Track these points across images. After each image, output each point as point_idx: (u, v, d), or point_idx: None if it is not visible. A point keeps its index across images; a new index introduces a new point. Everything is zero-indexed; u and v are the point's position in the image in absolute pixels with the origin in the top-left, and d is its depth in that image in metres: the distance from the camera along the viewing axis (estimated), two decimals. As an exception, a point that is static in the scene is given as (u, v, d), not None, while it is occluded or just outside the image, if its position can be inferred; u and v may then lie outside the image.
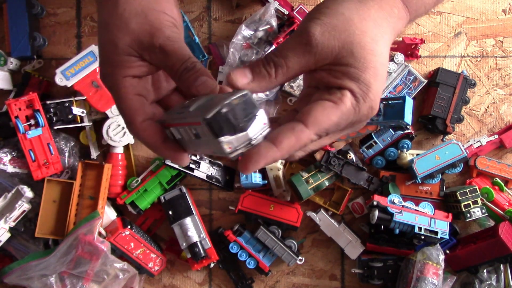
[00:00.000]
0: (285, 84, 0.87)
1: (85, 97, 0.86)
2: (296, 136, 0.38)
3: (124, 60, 0.44)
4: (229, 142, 0.37)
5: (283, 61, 0.41)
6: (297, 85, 0.87)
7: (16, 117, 0.83)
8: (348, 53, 0.40)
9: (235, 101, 0.36)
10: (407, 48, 0.88)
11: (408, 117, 0.80)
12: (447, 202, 0.88)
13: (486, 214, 0.85)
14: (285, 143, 0.38)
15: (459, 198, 0.83)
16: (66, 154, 0.87)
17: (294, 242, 0.88)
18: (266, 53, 0.43)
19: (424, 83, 0.88)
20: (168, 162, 0.84)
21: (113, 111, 0.87)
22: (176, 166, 0.85)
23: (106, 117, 0.88)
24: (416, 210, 0.83)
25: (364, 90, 0.40)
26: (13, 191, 0.82)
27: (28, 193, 0.82)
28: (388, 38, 0.43)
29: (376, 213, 0.82)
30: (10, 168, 0.85)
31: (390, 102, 0.82)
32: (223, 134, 0.36)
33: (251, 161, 0.37)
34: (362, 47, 0.40)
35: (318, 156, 0.87)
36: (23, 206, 0.82)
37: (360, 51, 0.40)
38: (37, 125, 0.83)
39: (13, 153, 0.86)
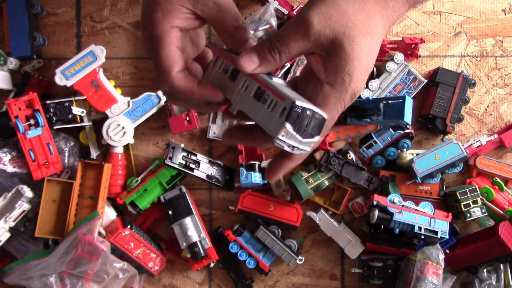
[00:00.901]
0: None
1: (85, 97, 0.86)
2: None
3: (176, 9, 0.46)
4: (286, 132, 0.42)
5: (286, 48, 0.45)
6: None
7: (16, 117, 0.83)
8: (339, 43, 0.44)
9: (317, 115, 0.43)
10: (407, 48, 0.88)
11: (408, 117, 0.80)
12: (447, 202, 0.88)
13: (486, 214, 0.85)
14: (297, 156, 0.46)
15: (459, 197, 0.83)
16: (66, 154, 0.87)
17: (294, 242, 0.88)
18: (269, 36, 0.47)
19: (424, 83, 0.88)
20: (168, 162, 0.84)
21: (113, 111, 0.87)
22: (176, 166, 0.85)
23: (106, 117, 0.88)
24: (416, 209, 0.83)
25: (347, 80, 0.45)
26: (13, 191, 0.82)
27: (28, 193, 0.82)
28: (381, 30, 0.47)
29: (376, 212, 0.82)
30: (10, 168, 0.85)
31: (390, 102, 0.82)
32: (291, 123, 0.42)
33: (276, 173, 0.47)
34: (351, 40, 0.44)
35: (318, 156, 0.87)
36: (23, 206, 0.82)
37: (348, 43, 0.44)
38: (37, 125, 0.83)
39: (13, 153, 0.86)
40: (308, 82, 0.49)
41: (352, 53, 0.44)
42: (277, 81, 0.46)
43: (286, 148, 0.43)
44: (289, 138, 0.42)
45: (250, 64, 0.46)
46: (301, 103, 0.41)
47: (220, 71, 0.50)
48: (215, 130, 0.91)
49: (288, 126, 0.42)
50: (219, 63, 0.51)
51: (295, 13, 0.86)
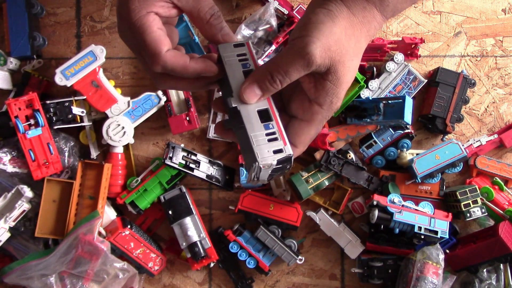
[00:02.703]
0: None
1: (85, 97, 0.86)
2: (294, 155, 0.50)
3: None
4: (269, 166, 0.47)
5: (287, 78, 0.48)
6: None
7: (16, 116, 0.83)
8: (334, 70, 0.48)
9: (282, 162, 0.47)
10: (407, 48, 0.88)
11: (408, 117, 0.80)
12: (447, 202, 0.88)
13: (486, 214, 0.85)
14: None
15: (459, 197, 0.83)
16: (66, 154, 0.87)
17: (294, 241, 0.88)
18: (268, 64, 0.49)
19: (424, 83, 0.88)
20: (168, 162, 0.84)
21: (112, 111, 0.87)
22: (176, 166, 0.85)
23: (106, 117, 0.88)
24: (416, 209, 0.83)
25: (334, 101, 0.49)
26: (13, 191, 0.82)
27: (28, 193, 0.82)
28: (363, 47, 0.51)
29: (376, 212, 0.82)
30: (10, 168, 0.85)
31: (390, 101, 0.83)
32: (277, 165, 0.47)
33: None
34: (342, 65, 0.48)
35: (318, 155, 0.87)
36: (23, 206, 0.82)
37: (341, 68, 0.48)
38: (37, 125, 0.83)
39: (13, 153, 0.86)
40: (293, 92, 0.53)
41: (343, 78, 0.48)
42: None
43: (252, 174, 0.47)
44: (264, 171, 0.47)
45: (253, 96, 0.49)
46: (264, 161, 0.46)
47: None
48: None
49: (274, 164, 0.46)
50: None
51: (295, 13, 0.86)
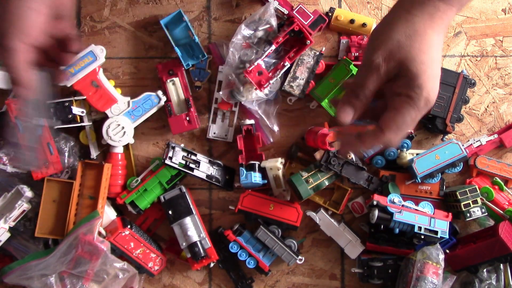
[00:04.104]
0: (285, 84, 0.88)
1: (85, 97, 0.86)
2: (378, 139, 0.55)
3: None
4: None
5: (367, 90, 0.55)
6: (296, 85, 0.87)
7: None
8: (405, 67, 0.53)
9: None
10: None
11: None
12: (447, 202, 0.88)
13: (486, 214, 0.85)
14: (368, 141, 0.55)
15: (459, 197, 0.83)
16: (66, 154, 0.87)
17: (294, 241, 0.88)
18: (350, 88, 0.57)
19: (424, 83, 0.88)
20: (168, 162, 0.84)
21: (112, 111, 0.87)
22: (176, 166, 0.85)
23: (106, 117, 0.88)
24: (416, 209, 0.83)
25: (418, 92, 0.53)
26: (13, 191, 0.82)
27: (28, 192, 0.82)
28: (436, 40, 0.54)
29: (376, 212, 0.82)
30: (10, 168, 0.85)
31: None
32: None
33: (375, 141, 0.55)
34: (412, 60, 0.53)
35: (318, 155, 0.87)
36: (23, 206, 0.82)
37: (412, 63, 0.53)
38: (37, 125, 0.83)
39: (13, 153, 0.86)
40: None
41: (417, 71, 0.53)
42: None
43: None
44: None
45: (348, 116, 0.56)
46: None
47: None
48: (215, 130, 0.91)
49: None
50: None
51: (295, 13, 0.86)
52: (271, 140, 0.90)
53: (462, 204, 0.83)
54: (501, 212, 0.86)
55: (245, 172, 0.86)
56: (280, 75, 0.85)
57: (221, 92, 0.88)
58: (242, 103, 0.88)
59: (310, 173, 0.86)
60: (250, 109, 0.88)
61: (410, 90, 0.53)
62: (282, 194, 0.89)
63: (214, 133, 0.91)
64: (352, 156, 0.87)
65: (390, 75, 0.54)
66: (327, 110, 0.87)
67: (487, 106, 0.91)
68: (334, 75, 0.86)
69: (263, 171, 0.87)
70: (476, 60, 0.91)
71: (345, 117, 0.56)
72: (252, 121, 0.88)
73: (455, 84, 0.87)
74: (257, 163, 0.87)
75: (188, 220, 0.86)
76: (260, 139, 0.88)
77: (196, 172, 0.87)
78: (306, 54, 0.87)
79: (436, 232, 0.82)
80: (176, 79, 0.89)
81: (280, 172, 0.86)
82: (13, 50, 0.56)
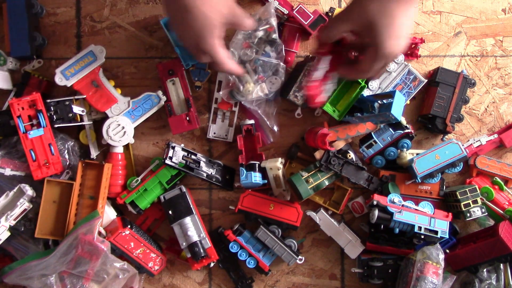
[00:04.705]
0: (290, 93, 0.86)
1: (85, 97, 0.86)
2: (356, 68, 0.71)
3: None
4: None
5: (336, 30, 0.69)
6: (301, 95, 0.86)
7: (18, 116, 0.82)
8: (372, 27, 0.64)
9: None
10: (407, 48, 0.88)
11: (396, 110, 0.78)
12: (447, 202, 0.88)
13: (486, 214, 0.85)
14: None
15: (459, 197, 0.83)
16: (66, 154, 0.87)
17: (294, 241, 0.88)
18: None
19: (424, 83, 0.88)
20: (168, 162, 0.84)
21: (113, 111, 0.87)
22: (176, 165, 0.85)
23: (106, 117, 0.88)
24: (416, 209, 0.83)
25: (380, 45, 0.64)
26: (15, 190, 0.82)
27: (30, 191, 0.82)
28: (403, 12, 0.64)
29: (376, 212, 0.82)
30: (8, 171, 0.85)
31: (385, 101, 0.81)
32: None
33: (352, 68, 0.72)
34: (377, 25, 0.64)
35: (318, 155, 0.87)
36: (24, 205, 0.82)
37: (377, 27, 0.64)
38: (39, 125, 0.83)
39: (13, 153, 0.86)
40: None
41: (380, 27, 0.64)
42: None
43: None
44: None
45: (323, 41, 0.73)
46: None
47: None
48: (215, 130, 0.91)
49: None
50: None
51: (295, 13, 0.86)
52: (271, 140, 0.90)
53: (462, 204, 0.83)
54: (501, 212, 0.86)
55: (245, 172, 0.86)
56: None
57: (221, 92, 0.88)
58: (242, 103, 0.88)
59: (310, 173, 0.85)
60: (250, 109, 0.88)
61: (376, 40, 0.65)
62: (282, 194, 0.89)
63: (214, 133, 0.91)
64: (352, 156, 0.87)
65: (356, 30, 0.67)
66: (331, 114, 0.85)
67: (487, 106, 0.91)
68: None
69: (263, 171, 0.87)
70: (476, 60, 0.91)
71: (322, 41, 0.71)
72: (252, 121, 0.88)
73: (455, 84, 0.87)
74: (257, 163, 0.87)
75: (188, 220, 0.86)
76: (260, 139, 0.88)
77: (196, 172, 0.87)
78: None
79: (436, 232, 0.82)
80: (176, 79, 0.89)
81: (280, 172, 0.86)
82: (215, 47, 0.68)
